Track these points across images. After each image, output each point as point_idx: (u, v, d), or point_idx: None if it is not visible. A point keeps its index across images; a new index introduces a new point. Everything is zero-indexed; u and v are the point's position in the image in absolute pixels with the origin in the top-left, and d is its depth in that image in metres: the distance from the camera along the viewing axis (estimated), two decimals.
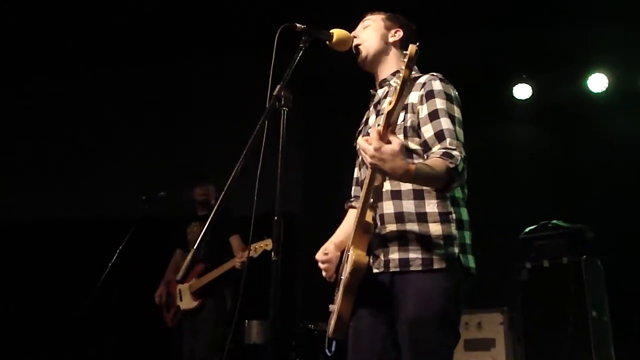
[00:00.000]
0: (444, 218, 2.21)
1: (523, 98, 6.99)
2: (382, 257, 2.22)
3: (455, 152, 2.09)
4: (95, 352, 6.39)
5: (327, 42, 2.50)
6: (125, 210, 6.17)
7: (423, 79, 2.31)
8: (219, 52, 7.08)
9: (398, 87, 1.89)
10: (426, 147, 2.20)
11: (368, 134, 2.16)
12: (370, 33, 2.50)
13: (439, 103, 2.20)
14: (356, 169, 2.63)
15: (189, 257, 1.89)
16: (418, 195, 2.20)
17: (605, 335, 5.49)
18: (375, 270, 2.23)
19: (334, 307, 2.33)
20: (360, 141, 1.96)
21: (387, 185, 2.22)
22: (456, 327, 2.26)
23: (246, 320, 6.62)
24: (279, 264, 2.05)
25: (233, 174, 2.21)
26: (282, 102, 2.24)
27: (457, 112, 2.25)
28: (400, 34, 2.52)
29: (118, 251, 4.85)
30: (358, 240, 2.12)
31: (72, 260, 6.83)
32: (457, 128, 2.20)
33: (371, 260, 2.21)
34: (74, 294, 6.43)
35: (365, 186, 2.10)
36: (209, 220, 2.34)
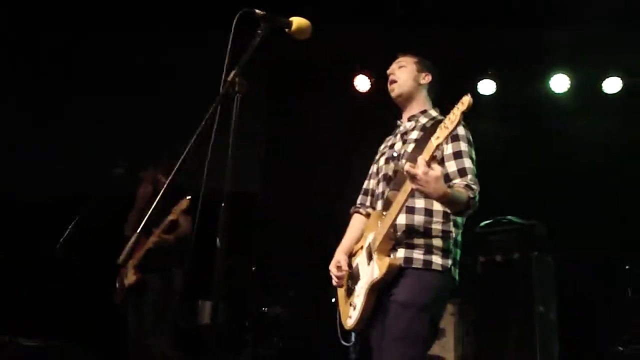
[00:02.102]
0: (445, 235, 2.68)
1: (487, 94, 7.07)
2: (390, 256, 2.64)
3: (474, 187, 2.59)
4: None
5: (286, 30, 2.49)
6: (82, 187, 6.08)
7: None
8: (183, 28, 6.93)
9: (449, 128, 2.31)
10: (447, 178, 2.61)
11: (394, 157, 2.80)
12: (405, 74, 2.93)
13: (463, 146, 2.68)
14: (368, 181, 3.08)
15: (132, 240, 1.87)
16: (428, 213, 2.67)
17: (551, 331, 5.62)
18: None
19: (350, 302, 2.72)
20: (407, 167, 2.36)
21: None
22: (436, 321, 2.61)
23: (199, 301, 6.63)
24: (223, 251, 2.05)
25: (182, 156, 2.21)
26: (236, 89, 2.23)
27: (473, 155, 2.75)
28: (429, 78, 2.97)
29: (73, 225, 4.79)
30: (384, 247, 2.59)
31: (29, 238, 6.70)
32: (474, 168, 2.71)
33: None
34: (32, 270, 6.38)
35: (398, 204, 2.51)
36: (160, 195, 2.33)
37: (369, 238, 2.72)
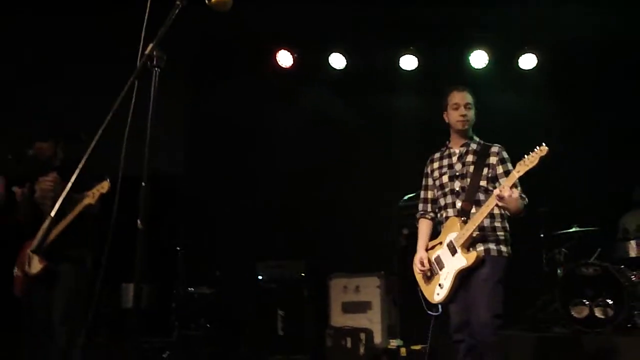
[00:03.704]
0: (505, 229, 3.65)
1: (409, 69, 7.16)
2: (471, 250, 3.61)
3: (523, 196, 3.50)
4: None
5: (207, 1, 2.40)
6: None
7: (496, 148, 3.72)
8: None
9: (529, 166, 3.29)
10: None
11: (457, 176, 3.71)
12: (472, 114, 3.76)
13: (509, 166, 3.63)
14: (425, 192, 3.91)
15: (45, 225, 1.76)
16: (492, 217, 3.61)
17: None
18: None
19: (439, 283, 3.61)
20: (497, 191, 3.34)
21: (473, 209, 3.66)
22: (505, 288, 3.54)
23: (122, 284, 6.45)
24: (144, 233, 1.97)
25: (99, 133, 2.12)
26: (154, 62, 2.12)
27: None
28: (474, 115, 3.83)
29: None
30: (466, 243, 3.53)
31: None
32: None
33: None
34: None
35: (482, 214, 3.46)
36: (72, 179, 2.23)
37: (450, 236, 3.60)
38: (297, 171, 7.23)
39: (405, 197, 6.25)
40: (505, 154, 3.70)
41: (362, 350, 5.87)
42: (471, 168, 3.67)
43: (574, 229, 5.66)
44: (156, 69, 2.13)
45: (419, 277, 3.78)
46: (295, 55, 7.17)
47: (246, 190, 7.21)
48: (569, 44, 6.76)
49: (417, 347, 5.61)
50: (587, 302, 5.28)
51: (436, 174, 3.84)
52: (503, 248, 3.61)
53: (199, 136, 7.50)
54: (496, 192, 3.35)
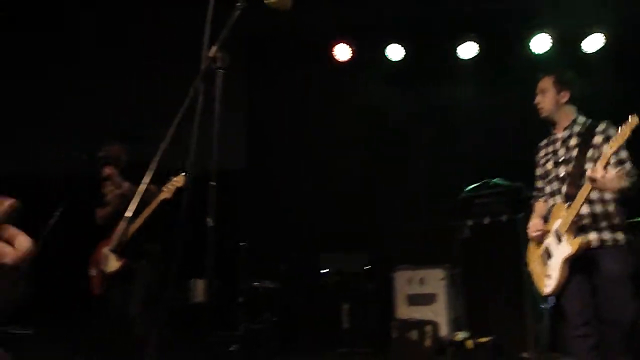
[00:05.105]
0: (620, 217, 3.37)
1: (468, 57, 7.03)
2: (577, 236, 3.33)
3: (633, 172, 3.22)
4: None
5: (265, 1, 2.43)
6: (62, 168, 6.00)
7: (602, 126, 3.42)
8: (164, 5, 6.80)
9: (620, 141, 3.06)
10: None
11: (561, 162, 3.49)
12: (546, 100, 3.56)
13: None
14: (536, 181, 3.72)
15: (123, 225, 1.83)
16: (602, 202, 3.36)
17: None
18: None
19: (546, 274, 3.42)
20: (589, 172, 3.15)
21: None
22: (633, 283, 3.28)
23: (191, 279, 6.61)
24: (214, 230, 2.02)
25: (168, 135, 2.18)
26: (218, 64, 2.17)
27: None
28: (567, 95, 3.53)
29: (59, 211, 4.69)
30: (571, 230, 3.28)
31: None
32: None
33: None
34: None
35: (581, 198, 3.23)
36: (147, 183, 2.30)
37: (556, 224, 3.40)
38: (359, 164, 7.23)
39: (469, 188, 6.16)
40: (612, 131, 3.35)
41: (428, 342, 5.84)
42: (574, 152, 3.44)
43: None
44: (220, 70, 2.18)
45: (533, 268, 3.61)
46: (353, 48, 7.16)
47: (308, 184, 7.27)
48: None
49: (484, 340, 5.53)
50: None
51: (542, 161, 3.67)
52: (619, 236, 3.33)
53: (260, 132, 7.60)
54: (588, 174, 3.16)
